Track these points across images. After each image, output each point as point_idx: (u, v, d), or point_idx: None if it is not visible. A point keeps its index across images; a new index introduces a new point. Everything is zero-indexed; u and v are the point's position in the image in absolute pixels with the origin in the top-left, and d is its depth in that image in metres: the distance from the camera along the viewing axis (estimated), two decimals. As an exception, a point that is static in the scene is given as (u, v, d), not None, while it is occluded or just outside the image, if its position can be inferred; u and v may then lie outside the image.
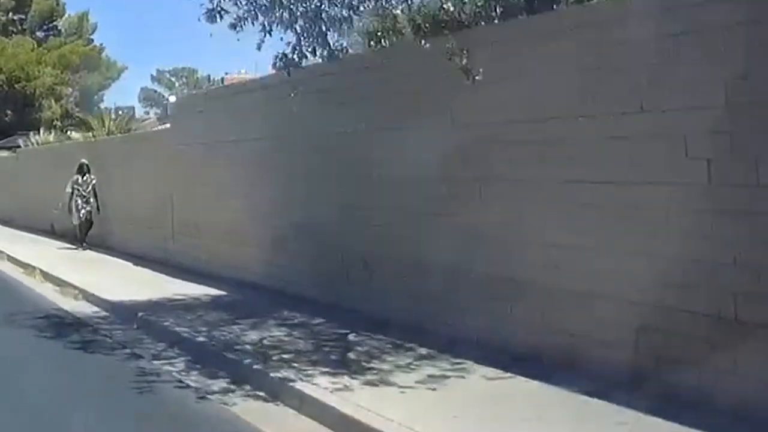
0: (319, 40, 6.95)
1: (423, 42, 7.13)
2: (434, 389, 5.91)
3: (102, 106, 42.57)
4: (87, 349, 7.79)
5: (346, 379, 6.14)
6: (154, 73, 67.85)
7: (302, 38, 6.92)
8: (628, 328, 5.64)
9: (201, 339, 7.76)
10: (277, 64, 7.27)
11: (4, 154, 29.04)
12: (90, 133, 26.46)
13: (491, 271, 6.92)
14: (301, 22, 6.91)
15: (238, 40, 7.10)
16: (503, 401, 5.58)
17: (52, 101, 41.69)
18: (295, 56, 7.04)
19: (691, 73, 5.25)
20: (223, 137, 11.74)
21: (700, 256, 5.23)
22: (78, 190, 16.23)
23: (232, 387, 6.40)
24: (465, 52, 6.43)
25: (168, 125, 29.66)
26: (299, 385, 6.07)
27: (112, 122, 27.38)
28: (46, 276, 13.05)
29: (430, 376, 6.22)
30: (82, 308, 10.25)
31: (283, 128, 10.04)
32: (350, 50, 8.95)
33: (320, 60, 7.25)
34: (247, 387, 6.37)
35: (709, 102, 5.14)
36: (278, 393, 6.13)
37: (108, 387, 6.61)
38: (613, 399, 5.25)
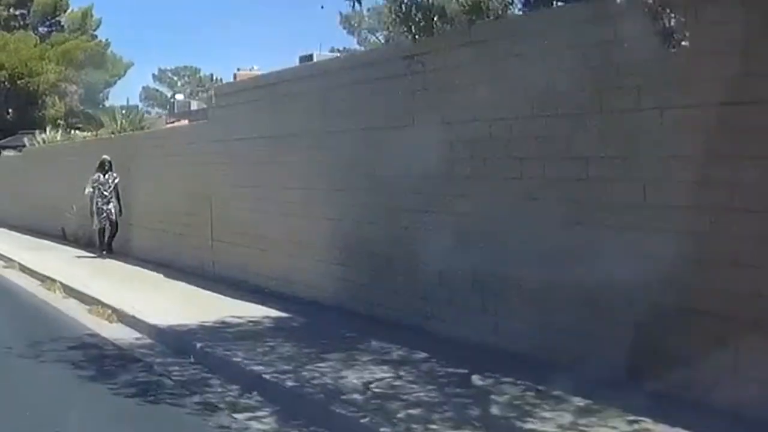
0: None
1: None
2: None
3: (107, 104, 41.30)
4: (145, 396, 6.12)
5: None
6: (156, 72, 66.38)
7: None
8: None
9: (290, 383, 6.11)
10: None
11: (9, 153, 27.45)
12: (93, 132, 25.11)
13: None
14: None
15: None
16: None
17: (56, 99, 40.02)
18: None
19: None
20: (275, 131, 10.12)
21: None
22: (99, 189, 14.55)
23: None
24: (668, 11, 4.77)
25: (176, 123, 28.25)
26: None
27: (124, 119, 25.95)
28: (69, 290, 11.42)
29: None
30: (121, 333, 8.61)
31: (365, 117, 8.41)
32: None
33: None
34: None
35: None
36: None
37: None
38: None
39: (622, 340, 5.62)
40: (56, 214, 19.31)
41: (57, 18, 44.15)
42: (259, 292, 10.03)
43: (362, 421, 5.23)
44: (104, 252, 14.78)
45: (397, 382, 6.06)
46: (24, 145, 26.17)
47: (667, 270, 5.27)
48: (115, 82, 43.04)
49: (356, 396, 5.69)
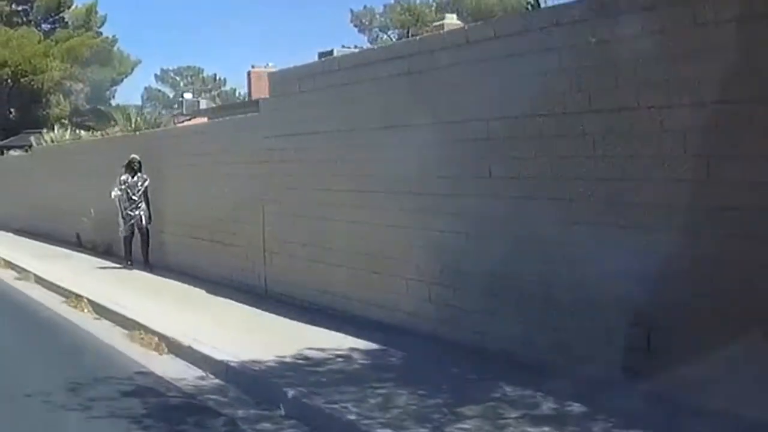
0: None
1: None
2: None
3: (112, 103, 39.65)
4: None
5: None
6: (158, 72, 64.91)
7: None
8: None
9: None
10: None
11: (16, 153, 25.85)
12: (104, 131, 23.58)
13: None
14: None
15: None
16: None
17: (61, 97, 38.34)
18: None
19: None
20: (352, 123, 8.52)
21: None
22: (127, 192, 12.86)
23: None
24: None
25: (185, 122, 26.61)
26: None
27: (138, 116, 24.43)
28: (99, 309, 9.82)
29: None
30: (178, 370, 6.98)
31: (492, 104, 6.78)
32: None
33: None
34: None
35: None
36: None
37: None
38: None
39: None
40: (70, 219, 17.72)
41: (60, 14, 42.52)
42: (327, 314, 8.45)
43: None
44: (129, 263, 13.12)
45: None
46: (30, 145, 24.61)
47: None
48: (122, 80, 41.48)
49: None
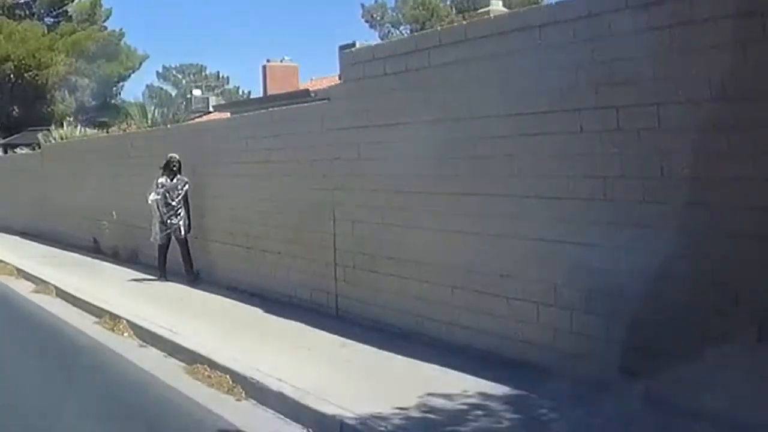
0: None
1: None
2: None
3: (119, 99, 38.04)
4: None
5: None
6: (160, 70, 63.42)
7: None
8: None
9: None
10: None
11: (23, 151, 24.33)
12: (108, 129, 22.21)
13: None
14: None
15: None
16: None
17: (66, 93, 36.73)
18: None
19: None
20: (453, 113, 7.00)
21: None
22: (165, 197, 11.25)
23: None
24: None
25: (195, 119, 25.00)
26: None
27: (156, 110, 23.09)
28: (143, 334, 8.29)
29: None
30: (270, 427, 5.43)
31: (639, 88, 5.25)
32: None
33: None
34: None
35: None
36: None
37: None
38: None
39: None
40: (85, 221, 16.18)
41: (64, 7, 40.93)
42: (422, 342, 6.96)
43: None
44: (163, 276, 11.54)
45: None
46: (37, 143, 23.09)
47: None
48: (129, 76, 39.71)
49: None
